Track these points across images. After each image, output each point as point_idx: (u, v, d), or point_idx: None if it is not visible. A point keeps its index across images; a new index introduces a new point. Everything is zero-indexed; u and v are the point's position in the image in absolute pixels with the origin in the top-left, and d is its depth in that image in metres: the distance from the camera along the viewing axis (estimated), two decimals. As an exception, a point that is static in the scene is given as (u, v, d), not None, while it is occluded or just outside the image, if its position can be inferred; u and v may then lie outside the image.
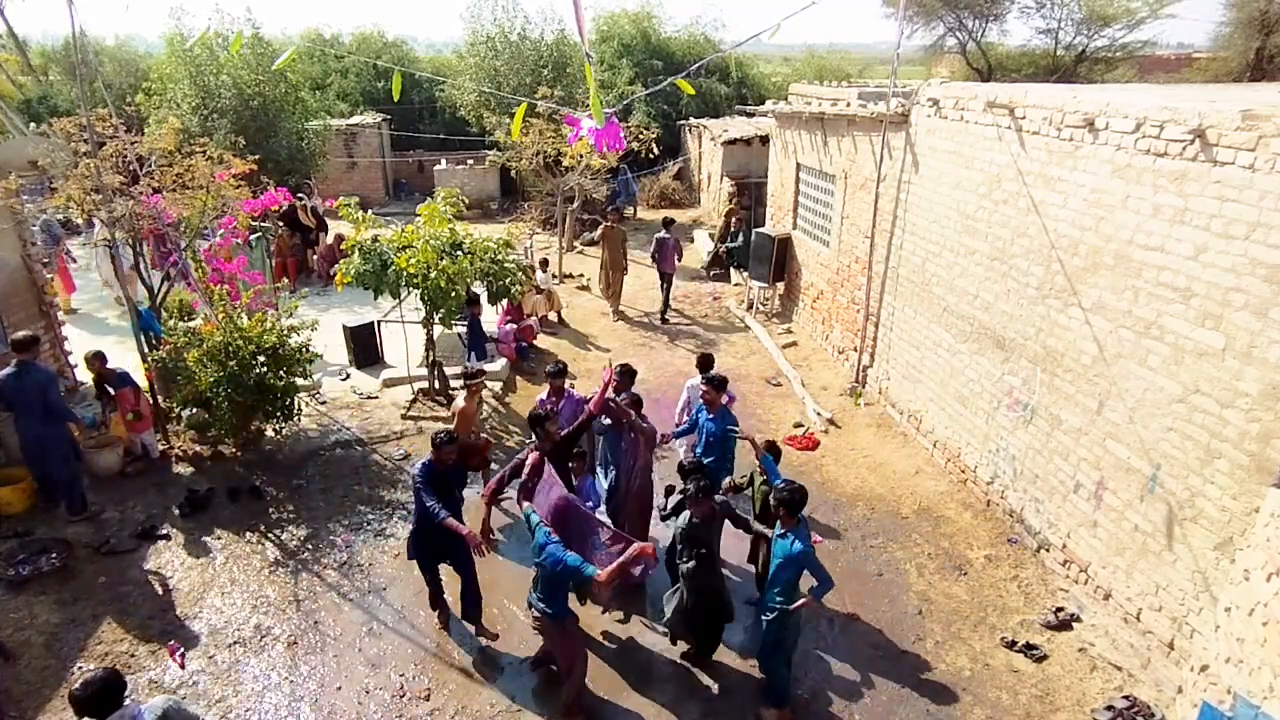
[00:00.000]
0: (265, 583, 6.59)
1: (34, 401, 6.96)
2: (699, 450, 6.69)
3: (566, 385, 7.15)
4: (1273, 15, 17.79)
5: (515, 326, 11.39)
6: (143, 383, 8.39)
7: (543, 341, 12.11)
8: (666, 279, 13.12)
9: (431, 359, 9.75)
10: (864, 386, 10.18)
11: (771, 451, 6.14)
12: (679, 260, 13.29)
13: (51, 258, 12.13)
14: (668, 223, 13.60)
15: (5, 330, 8.28)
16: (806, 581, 5.07)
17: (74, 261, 13.75)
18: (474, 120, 20.83)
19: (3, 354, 8.13)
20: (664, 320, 13.12)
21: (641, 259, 16.67)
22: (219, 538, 7.14)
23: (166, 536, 7.12)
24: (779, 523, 5.09)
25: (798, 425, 9.37)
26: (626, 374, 6.76)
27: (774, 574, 5.11)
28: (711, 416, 6.60)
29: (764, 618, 5.23)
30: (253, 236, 10.79)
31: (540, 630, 5.20)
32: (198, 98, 16.10)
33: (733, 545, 6.45)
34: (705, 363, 7.50)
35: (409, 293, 9.08)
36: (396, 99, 6.19)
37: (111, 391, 8.06)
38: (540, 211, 19.45)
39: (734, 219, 16.10)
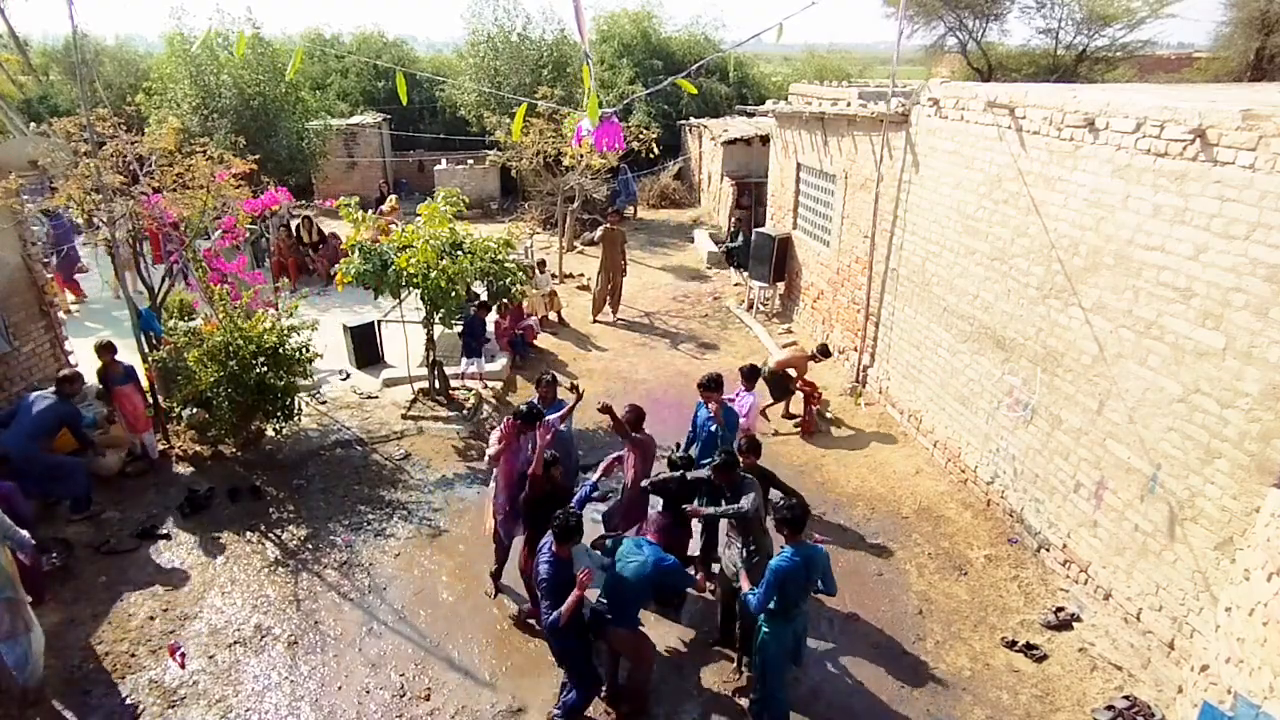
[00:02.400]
0: (265, 583, 6.59)
1: (33, 421, 6.99)
2: (697, 450, 6.69)
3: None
4: (1273, 15, 17.77)
5: (516, 328, 11.38)
6: (143, 382, 8.39)
7: (543, 341, 12.11)
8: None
9: (432, 359, 9.75)
10: (864, 386, 10.18)
11: (753, 450, 5.86)
12: None
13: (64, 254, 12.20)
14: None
15: (7, 329, 8.28)
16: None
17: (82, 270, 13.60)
18: (474, 120, 20.85)
19: (3, 353, 8.15)
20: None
21: (642, 259, 16.73)
22: (219, 538, 7.14)
23: (166, 536, 7.12)
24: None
25: (798, 425, 9.37)
26: (639, 416, 6.44)
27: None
28: (710, 416, 6.62)
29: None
30: (240, 241, 10.77)
31: (613, 641, 5.16)
32: (198, 97, 16.11)
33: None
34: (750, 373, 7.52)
35: (409, 293, 9.08)
36: (405, 102, 6.18)
37: (112, 389, 8.06)
38: (540, 211, 19.45)
39: (734, 219, 16.15)
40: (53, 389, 7.28)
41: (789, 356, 9.02)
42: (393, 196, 17.75)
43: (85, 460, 7.56)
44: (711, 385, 6.61)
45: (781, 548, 4.87)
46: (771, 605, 4.82)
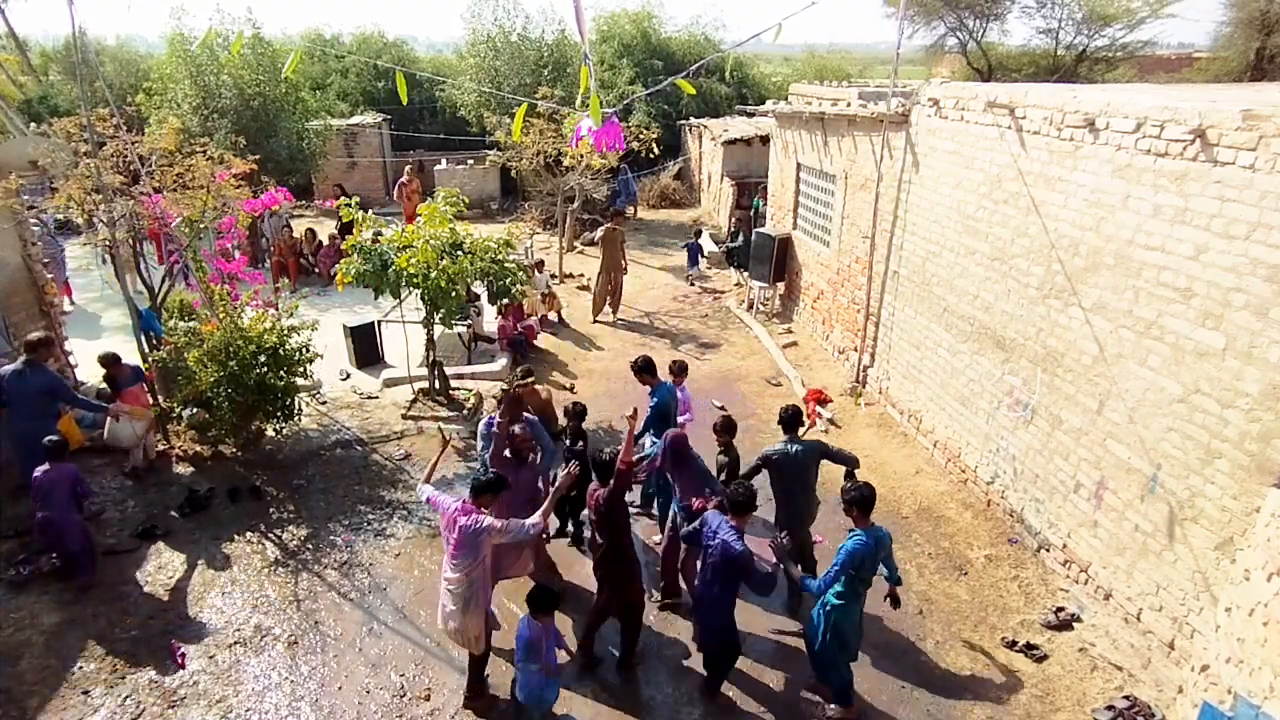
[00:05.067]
0: (265, 583, 6.59)
1: (31, 402, 6.97)
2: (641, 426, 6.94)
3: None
4: (1273, 15, 17.78)
5: (514, 322, 11.39)
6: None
7: (543, 341, 12.11)
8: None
9: (432, 359, 9.75)
10: (864, 386, 10.18)
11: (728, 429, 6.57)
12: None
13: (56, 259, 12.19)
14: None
15: (7, 329, 8.28)
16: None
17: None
18: (474, 120, 20.84)
19: (3, 352, 8.15)
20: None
21: (642, 259, 16.73)
22: (219, 538, 7.14)
23: (167, 536, 7.12)
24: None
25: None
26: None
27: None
28: (650, 395, 7.11)
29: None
30: (240, 242, 10.75)
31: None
32: (198, 98, 16.09)
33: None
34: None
35: (409, 293, 9.08)
36: (405, 101, 6.18)
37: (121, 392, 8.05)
38: (540, 211, 19.45)
39: (734, 219, 16.17)
40: (23, 359, 7.07)
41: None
42: (409, 167, 19.44)
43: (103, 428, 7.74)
44: (644, 368, 7.19)
45: (850, 530, 4.98)
46: (837, 591, 4.93)
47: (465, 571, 4.90)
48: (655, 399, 7.05)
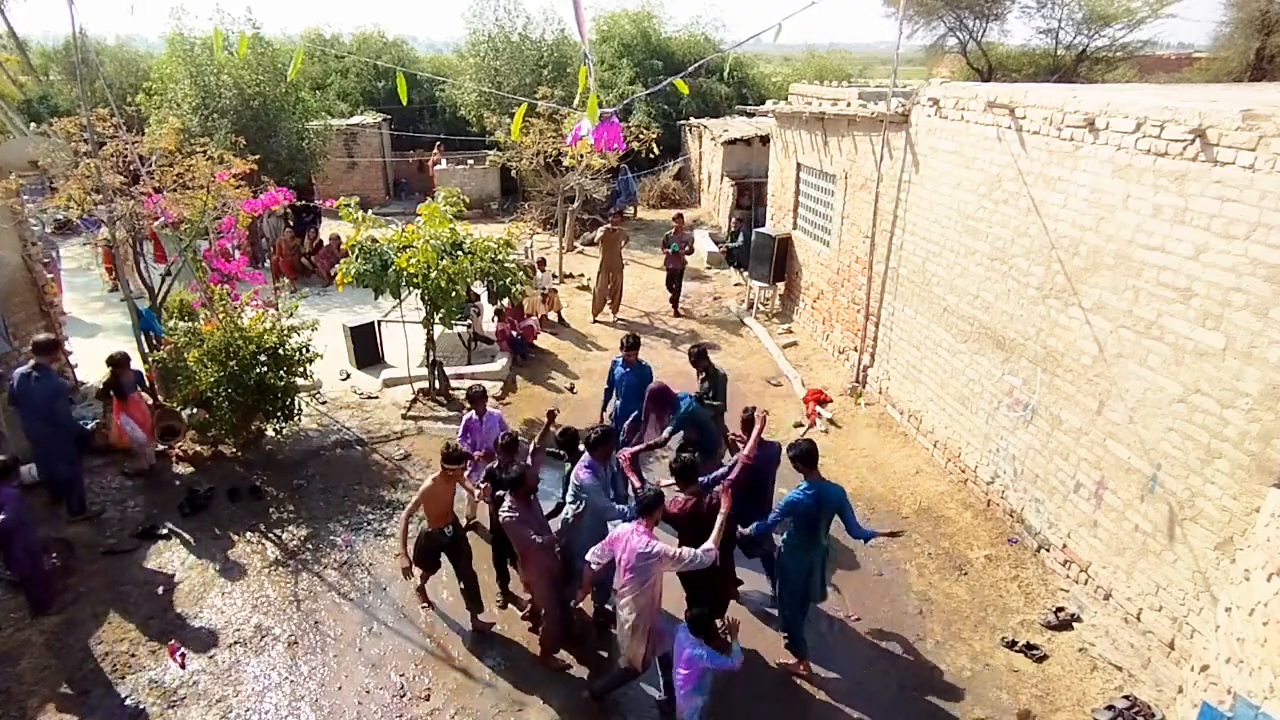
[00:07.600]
0: (265, 583, 6.59)
1: (42, 405, 6.99)
2: (619, 404, 7.63)
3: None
4: (1273, 15, 17.81)
5: (511, 324, 11.39)
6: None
7: (543, 341, 12.10)
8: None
9: (432, 359, 9.75)
10: (864, 386, 10.18)
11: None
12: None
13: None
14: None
15: (7, 330, 8.28)
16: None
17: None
18: (474, 120, 20.87)
19: (3, 353, 8.15)
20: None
21: (641, 259, 16.71)
22: (219, 538, 7.14)
23: (167, 536, 7.13)
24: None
25: (797, 425, 9.37)
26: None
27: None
28: (627, 370, 7.61)
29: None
30: (240, 242, 10.65)
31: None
32: (198, 98, 16.10)
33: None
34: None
35: (409, 292, 9.09)
36: (405, 102, 6.19)
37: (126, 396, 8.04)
38: (540, 211, 19.45)
39: (734, 219, 16.16)
40: (32, 362, 7.07)
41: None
42: (438, 145, 22.12)
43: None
44: (630, 345, 7.64)
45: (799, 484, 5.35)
46: (788, 536, 5.41)
47: (633, 596, 4.79)
48: (631, 375, 7.61)
